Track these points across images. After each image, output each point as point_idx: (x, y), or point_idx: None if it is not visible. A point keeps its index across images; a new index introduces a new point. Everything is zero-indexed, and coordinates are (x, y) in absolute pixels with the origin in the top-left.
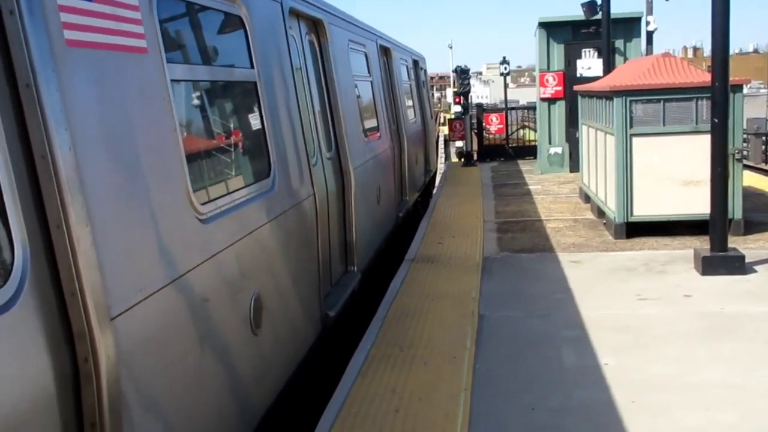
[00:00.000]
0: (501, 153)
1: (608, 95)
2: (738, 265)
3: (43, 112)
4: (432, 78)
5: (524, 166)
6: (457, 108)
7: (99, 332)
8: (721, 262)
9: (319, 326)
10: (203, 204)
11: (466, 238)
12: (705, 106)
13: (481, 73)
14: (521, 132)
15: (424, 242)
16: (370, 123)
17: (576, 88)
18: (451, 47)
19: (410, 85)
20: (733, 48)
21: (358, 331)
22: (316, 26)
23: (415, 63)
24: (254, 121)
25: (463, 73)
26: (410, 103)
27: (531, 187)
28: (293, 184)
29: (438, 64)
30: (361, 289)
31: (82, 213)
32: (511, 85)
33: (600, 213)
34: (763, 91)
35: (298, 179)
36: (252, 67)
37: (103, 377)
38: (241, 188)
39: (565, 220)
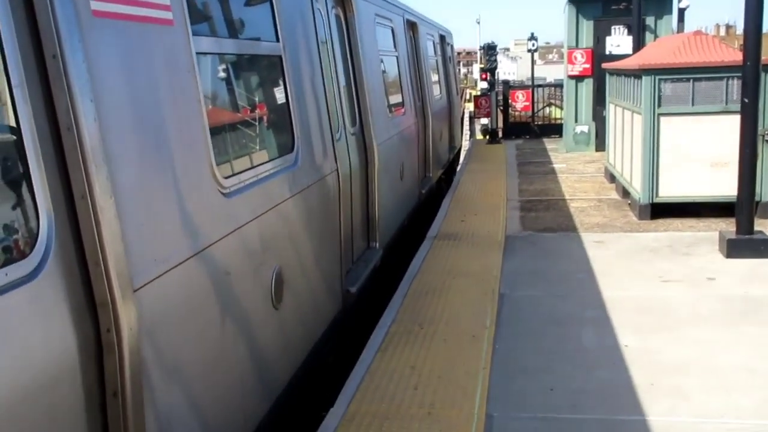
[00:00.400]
0: (526, 131)
1: (637, 73)
2: (763, 248)
3: (69, 83)
4: (459, 54)
5: (549, 144)
6: (484, 84)
7: (122, 303)
8: (747, 245)
9: (340, 302)
10: (227, 178)
11: (489, 216)
12: (736, 85)
13: (508, 50)
14: (547, 110)
15: (447, 220)
16: (395, 99)
17: (605, 65)
18: (478, 23)
19: (436, 60)
20: (766, 27)
21: (380, 307)
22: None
23: (442, 38)
24: (279, 96)
25: (490, 50)
26: (436, 78)
27: (556, 166)
28: (316, 160)
29: (465, 40)
30: (382, 266)
31: (107, 184)
32: (538, 61)
33: (625, 193)
34: None
35: (322, 154)
36: (277, 40)
37: (125, 347)
38: (265, 162)
39: (589, 199)
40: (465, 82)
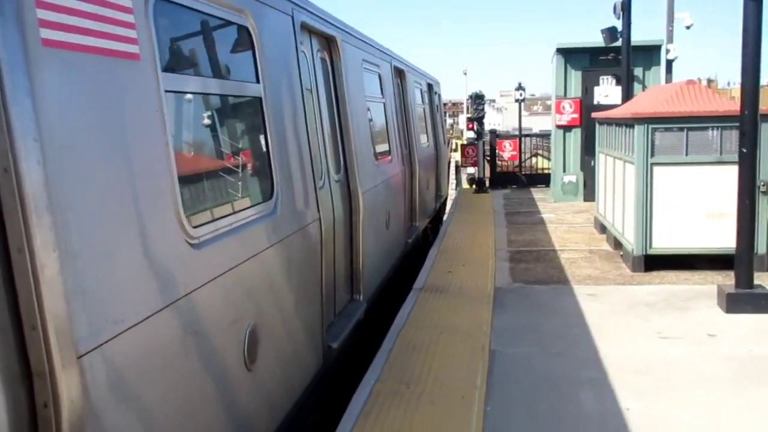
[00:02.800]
0: (513, 180)
1: (629, 122)
2: (765, 303)
3: (8, 120)
4: (445, 104)
5: (537, 194)
6: (470, 134)
7: (62, 372)
8: (748, 300)
9: (320, 359)
10: (196, 227)
11: (478, 268)
12: (730, 136)
13: (494, 101)
14: (534, 160)
15: (434, 270)
16: (382, 146)
17: (594, 115)
18: (465, 74)
19: (424, 108)
20: (735, 81)
21: (364, 363)
22: (329, 43)
23: (430, 87)
24: (257, 140)
25: (477, 99)
26: (423, 126)
27: (544, 216)
28: (297, 208)
29: (452, 91)
30: (367, 319)
31: (49, 236)
32: (524, 113)
33: (617, 244)
34: None
35: (303, 202)
36: (258, 81)
37: (65, 424)
38: (240, 211)
39: (580, 250)
40: (451, 132)
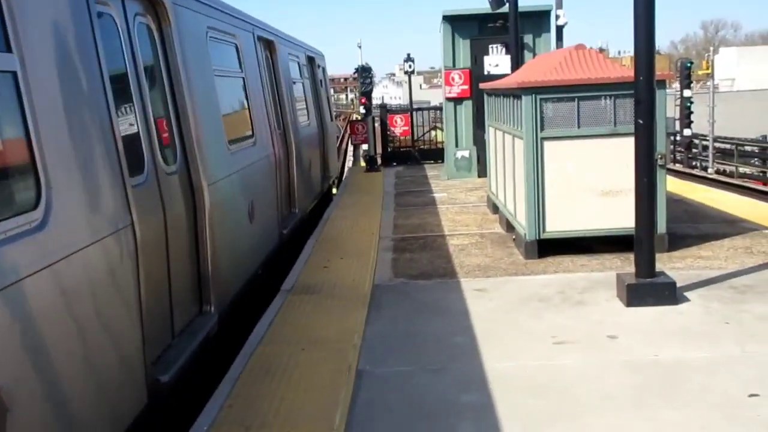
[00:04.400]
0: (408, 157)
1: (516, 93)
2: (668, 294)
3: None
4: (345, 79)
5: (432, 170)
6: (363, 109)
7: None
8: (650, 291)
9: (144, 397)
10: None
11: (357, 260)
12: (625, 105)
13: (394, 75)
14: (433, 133)
15: (308, 266)
16: (241, 128)
17: (482, 85)
18: (360, 47)
19: (303, 84)
20: (627, 50)
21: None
22: (154, 7)
23: (311, 60)
24: (10, 128)
25: (364, 72)
26: (303, 103)
27: (436, 195)
28: (89, 215)
29: (349, 66)
30: (224, 333)
31: None
32: (424, 86)
33: (509, 226)
34: (669, 90)
35: (102, 206)
36: (8, 50)
37: None
38: None
39: (471, 234)
40: (352, 107)
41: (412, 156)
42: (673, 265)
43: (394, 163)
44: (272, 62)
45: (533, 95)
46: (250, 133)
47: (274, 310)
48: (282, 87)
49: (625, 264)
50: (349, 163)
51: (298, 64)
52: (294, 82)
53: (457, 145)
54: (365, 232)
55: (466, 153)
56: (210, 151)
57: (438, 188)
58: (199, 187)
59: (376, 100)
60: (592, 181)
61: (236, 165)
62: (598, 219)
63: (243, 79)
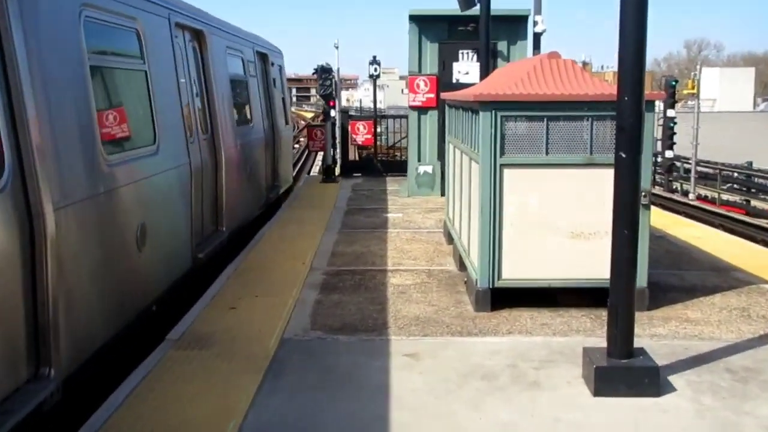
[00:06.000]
0: (370, 167)
1: (473, 107)
2: (648, 381)
3: None
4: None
5: (393, 184)
6: (333, 112)
7: None
8: (625, 377)
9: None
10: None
11: (274, 300)
12: (605, 128)
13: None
14: (404, 143)
15: (212, 306)
16: (134, 131)
17: (443, 95)
18: (337, 47)
19: (247, 82)
20: (611, 65)
21: None
22: None
23: (263, 56)
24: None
25: (324, 72)
26: (247, 105)
27: (390, 216)
28: None
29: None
30: (74, 402)
31: None
32: (406, 90)
33: (462, 264)
34: None
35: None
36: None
37: None
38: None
39: (417, 271)
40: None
41: (374, 167)
42: (655, 331)
43: (355, 174)
44: (201, 55)
45: (493, 111)
46: (150, 138)
47: (141, 374)
48: (212, 85)
49: (595, 325)
50: (316, 169)
51: (242, 59)
52: (233, 80)
53: (419, 159)
54: (296, 259)
55: (429, 168)
56: (68, 160)
57: (394, 207)
58: (39, 213)
59: (356, 103)
60: (560, 220)
61: (115, 179)
62: (566, 266)
63: (145, 72)
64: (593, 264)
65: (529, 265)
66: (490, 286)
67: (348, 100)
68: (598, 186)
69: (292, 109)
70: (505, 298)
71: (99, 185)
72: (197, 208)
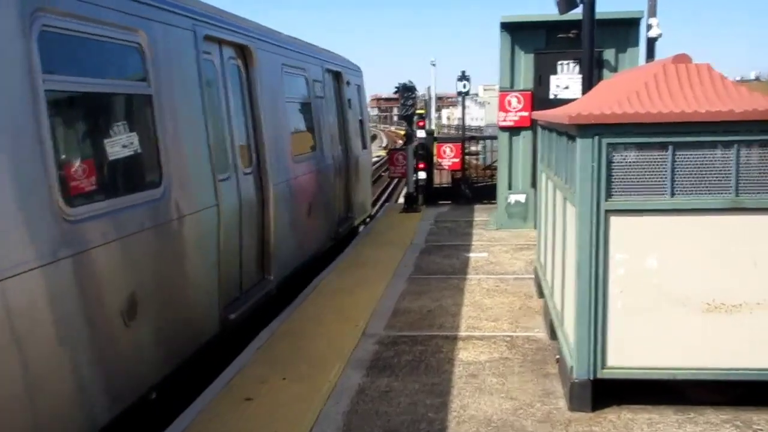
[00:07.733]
0: (457, 194)
1: (569, 132)
2: None
3: None
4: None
5: (482, 213)
6: (421, 133)
7: None
8: None
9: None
10: None
11: (304, 386)
12: (758, 158)
13: (477, 95)
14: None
15: (224, 394)
16: (132, 173)
17: (535, 114)
18: (434, 64)
19: (312, 104)
20: (734, 74)
21: None
22: None
23: (335, 75)
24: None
25: (406, 91)
26: (311, 129)
27: (472, 256)
28: None
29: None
30: None
31: None
32: None
33: (554, 331)
34: None
35: None
36: None
37: None
38: None
39: (495, 340)
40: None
41: (462, 194)
42: None
43: (441, 202)
44: (246, 75)
45: (595, 137)
46: (153, 180)
47: None
48: (259, 110)
49: None
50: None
51: (306, 78)
52: (292, 103)
53: (510, 187)
54: (348, 321)
55: (521, 197)
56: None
57: (479, 243)
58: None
59: (456, 121)
60: (691, 287)
61: (84, 241)
62: (698, 350)
63: (149, 97)
64: (739, 347)
65: (646, 349)
66: (591, 377)
67: (449, 117)
68: (747, 239)
69: (392, 128)
70: (612, 391)
71: (52, 252)
72: (230, 258)
